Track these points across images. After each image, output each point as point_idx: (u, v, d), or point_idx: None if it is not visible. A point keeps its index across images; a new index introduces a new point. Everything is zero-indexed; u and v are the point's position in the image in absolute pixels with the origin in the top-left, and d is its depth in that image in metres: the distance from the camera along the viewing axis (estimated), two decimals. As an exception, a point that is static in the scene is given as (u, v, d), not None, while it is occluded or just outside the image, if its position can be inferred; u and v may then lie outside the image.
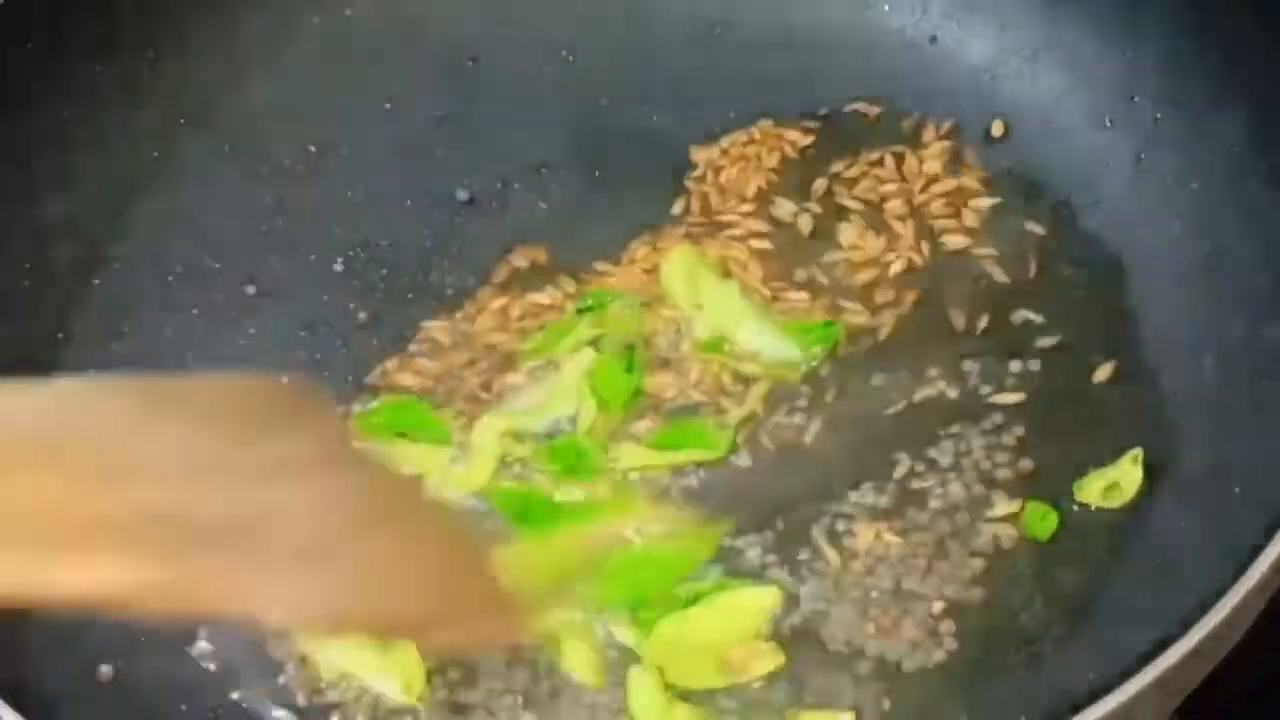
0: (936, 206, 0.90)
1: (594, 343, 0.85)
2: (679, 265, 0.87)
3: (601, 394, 0.84)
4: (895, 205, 0.90)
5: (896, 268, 0.88)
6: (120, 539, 0.48)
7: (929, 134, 0.92)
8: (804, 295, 0.87)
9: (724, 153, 0.93)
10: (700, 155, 0.93)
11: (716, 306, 0.86)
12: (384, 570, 0.53)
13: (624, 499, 0.81)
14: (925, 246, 0.88)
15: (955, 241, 0.88)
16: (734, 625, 0.76)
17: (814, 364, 0.84)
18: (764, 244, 0.89)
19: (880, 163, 0.92)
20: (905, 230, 0.89)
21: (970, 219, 0.89)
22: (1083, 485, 0.79)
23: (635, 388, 0.84)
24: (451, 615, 0.57)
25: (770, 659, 0.75)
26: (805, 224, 0.90)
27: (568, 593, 0.73)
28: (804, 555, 0.79)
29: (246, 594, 0.51)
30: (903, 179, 0.91)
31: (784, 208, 0.90)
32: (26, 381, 0.50)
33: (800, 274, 0.88)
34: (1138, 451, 0.78)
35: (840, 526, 0.79)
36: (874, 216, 0.90)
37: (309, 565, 0.51)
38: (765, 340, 0.85)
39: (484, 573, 0.58)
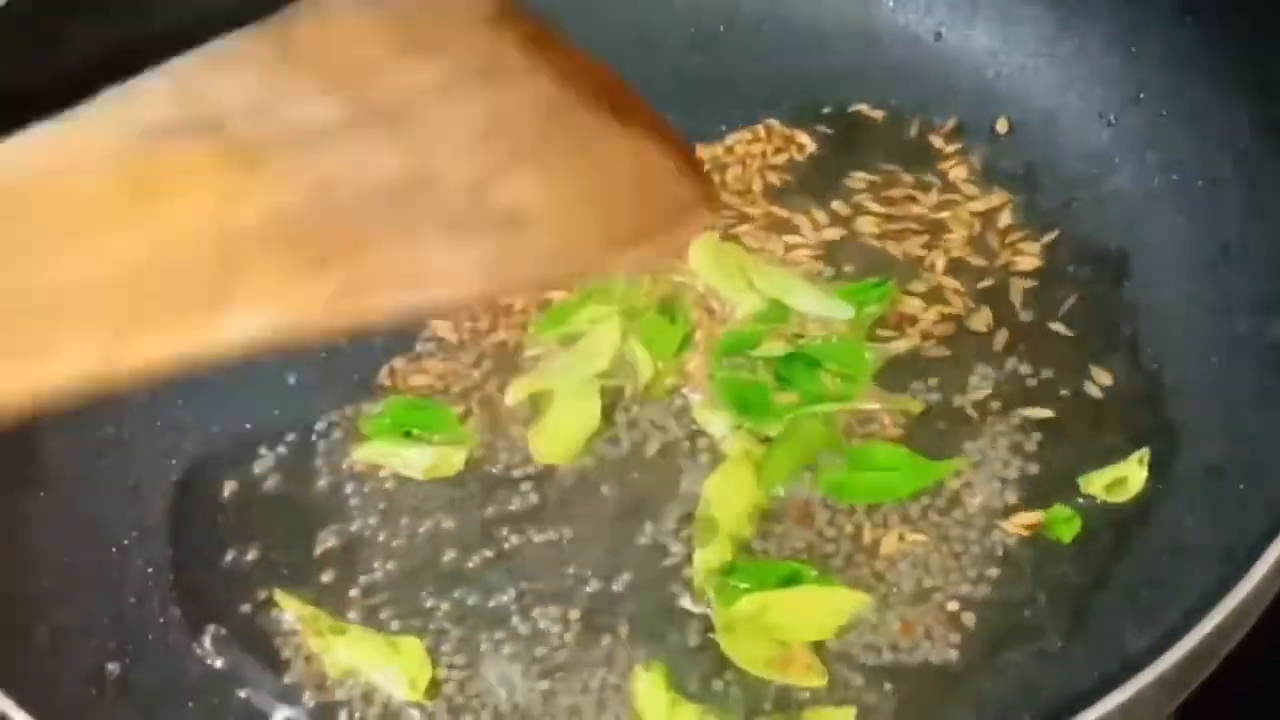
0: (950, 214, 0.90)
1: (630, 311, 0.86)
2: (705, 250, 0.88)
3: (653, 348, 0.84)
4: (909, 211, 0.90)
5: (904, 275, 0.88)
6: (278, 244, 0.43)
7: (935, 136, 0.93)
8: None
9: (729, 150, 0.93)
10: (705, 153, 0.93)
11: (763, 278, 0.86)
12: (559, 204, 0.46)
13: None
14: (938, 253, 0.88)
15: (962, 245, 0.89)
16: (811, 620, 0.76)
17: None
18: (774, 243, 0.89)
19: (891, 170, 0.92)
20: (917, 238, 0.89)
21: (980, 223, 0.89)
22: (1089, 479, 0.79)
23: (684, 336, 0.85)
24: (637, 228, 0.50)
25: (815, 676, 0.75)
26: (818, 225, 0.90)
27: None
28: (829, 550, 0.79)
29: (412, 274, 0.44)
30: (914, 185, 0.91)
31: (792, 210, 0.91)
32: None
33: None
34: (1145, 452, 0.78)
35: (866, 524, 0.79)
36: (887, 224, 0.90)
37: (474, 223, 0.45)
38: (822, 303, 0.85)
39: (662, 176, 0.51)
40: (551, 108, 0.48)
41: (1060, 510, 0.78)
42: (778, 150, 0.93)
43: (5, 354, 0.42)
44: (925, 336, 0.85)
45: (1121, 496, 0.78)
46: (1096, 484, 0.78)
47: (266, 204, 0.44)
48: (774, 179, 0.92)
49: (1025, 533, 0.78)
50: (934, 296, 0.86)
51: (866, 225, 0.89)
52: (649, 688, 0.75)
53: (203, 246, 0.43)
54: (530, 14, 0.55)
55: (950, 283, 0.87)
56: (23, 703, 0.67)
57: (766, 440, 0.81)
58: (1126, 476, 0.78)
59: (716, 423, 0.82)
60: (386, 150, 0.45)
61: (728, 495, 0.80)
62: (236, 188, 0.44)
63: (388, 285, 0.45)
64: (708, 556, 0.78)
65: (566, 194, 0.47)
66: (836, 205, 0.90)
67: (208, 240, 0.43)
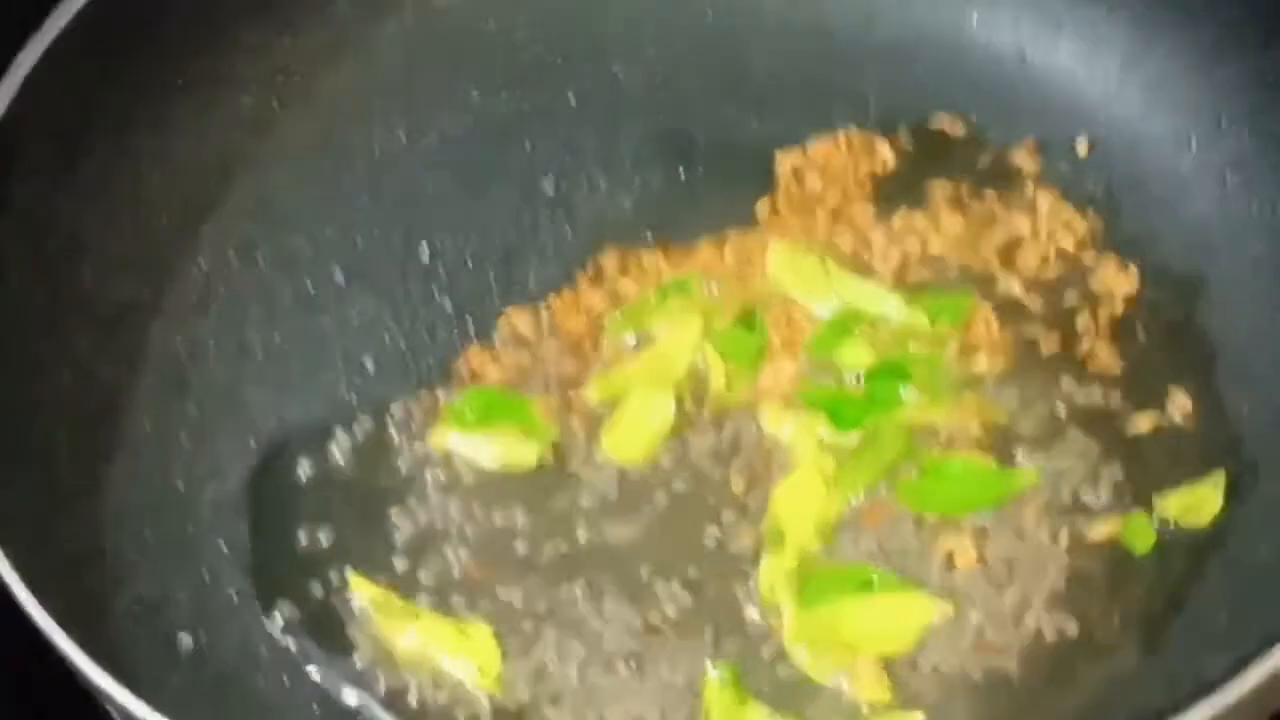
0: (1029, 232, 0.90)
1: (707, 316, 0.87)
2: (783, 256, 0.88)
3: (728, 355, 0.85)
4: (987, 227, 0.90)
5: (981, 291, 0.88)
6: None
7: (1015, 153, 0.93)
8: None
9: (809, 158, 0.94)
10: (785, 160, 0.93)
11: (842, 285, 0.87)
12: None
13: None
14: (1015, 270, 0.89)
15: (1040, 263, 0.89)
16: (890, 627, 0.77)
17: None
18: (852, 250, 0.90)
19: (971, 185, 0.92)
20: (995, 254, 0.89)
21: (1053, 246, 0.89)
22: (1165, 501, 0.79)
23: (760, 346, 0.86)
24: None
25: (881, 690, 0.75)
26: (896, 236, 0.90)
27: None
28: (903, 559, 0.79)
29: None
30: (994, 202, 0.91)
31: (871, 219, 0.91)
32: None
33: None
34: (1220, 475, 0.79)
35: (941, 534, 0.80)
36: (965, 239, 0.90)
37: None
38: (900, 312, 0.86)
39: None
40: None
41: (1138, 519, 0.78)
42: (858, 160, 0.93)
43: None
44: (1002, 353, 0.85)
45: (1196, 520, 0.78)
46: (1172, 506, 0.79)
47: None
48: (853, 188, 0.92)
49: (1102, 539, 0.78)
50: (1012, 313, 0.87)
51: (944, 240, 0.90)
52: (718, 687, 0.75)
53: None
54: None
55: (1028, 301, 0.87)
56: (100, 664, 0.68)
57: (838, 451, 0.82)
58: (1203, 500, 0.78)
59: (789, 431, 0.83)
60: None
61: (796, 505, 0.80)
62: None
63: None
64: (773, 565, 0.78)
65: None
66: (915, 217, 0.91)
67: None
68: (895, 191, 0.92)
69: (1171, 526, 0.78)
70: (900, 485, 0.81)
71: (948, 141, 0.94)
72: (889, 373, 0.84)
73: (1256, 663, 0.63)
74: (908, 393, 0.83)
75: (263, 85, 0.94)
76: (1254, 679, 0.62)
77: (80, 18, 0.84)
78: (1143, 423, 0.82)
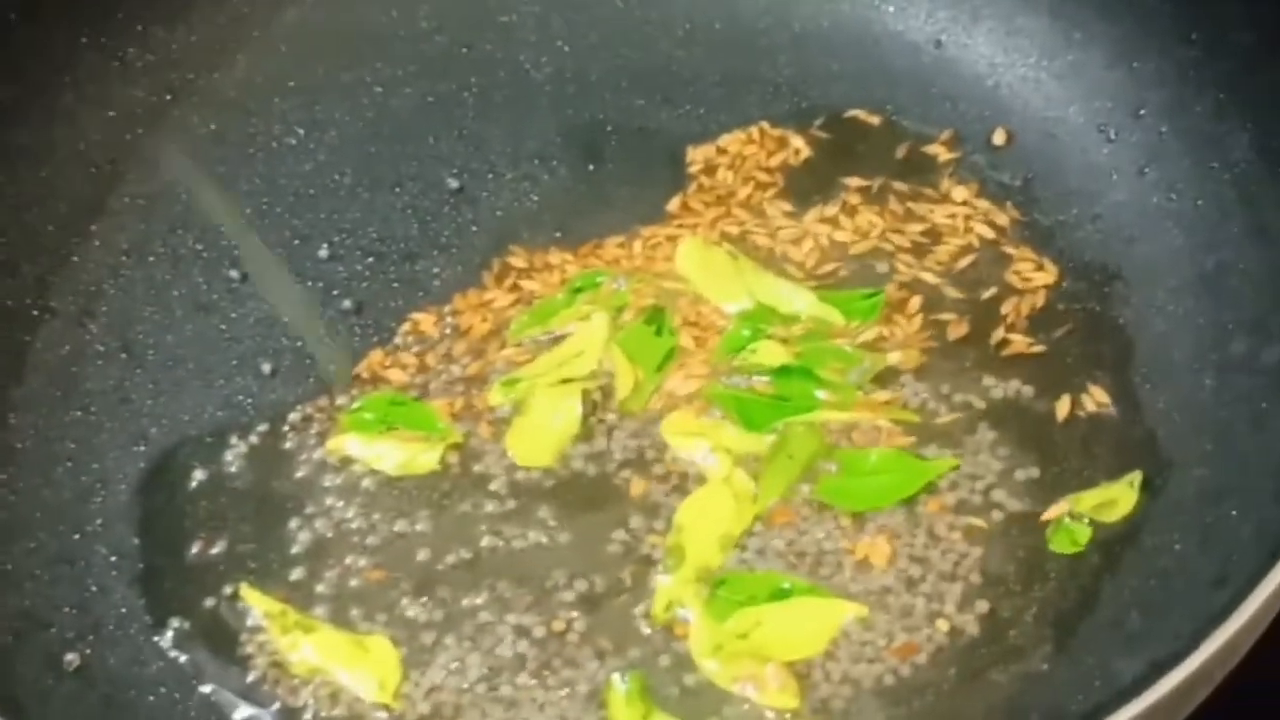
0: (944, 223, 0.88)
1: (615, 314, 0.84)
2: (693, 252, 0.86)
3: (635, 356, 0.83)
4: (903, 219, 0.88)
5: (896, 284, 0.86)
6: None
7: (931, 144, 0.91)
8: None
9: (721, 151, 0.92)
10: (697, 154, 0.91)
11: (753, 282, 0.85)
12: None
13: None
14: (930, 262, 0.87)
15: (956, 255, 0.87)
16: (802, 633, 0.74)
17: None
18: (764, 244, 0.88)
19: (886, 177, 0.90)
20: (910, 246, 0.87)
21: (970, 238, 0.87)
22: (1079, 498, 0.77)
23: (669, 347, 0.83)
24: None
25: (790, 697, 0.73)
26: (809, 230, 0.88)
27: None
28: (815, 561, 0.77)
29: None
30: (909, 194, 0.90)
31: (784, 213, 0.89)
32: None
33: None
34: (1136, 475, 0.77)
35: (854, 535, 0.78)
36: (880, 231, 0.88)
37: None
38: (812, 308, 0.84)
39: None
40: None
41: (1069, 524, 0.77)
42: (771, 153, 0.91)
43: None
44: (916, 347, 0.83)
45: (1110, 517, 0.76)
46: (1086, 503, 0.77)
47: None
48: (766, 180, 0.90)
49: (1016, 537, 0.77)
50: (926, 306, 0.85)
51: (859, 232, 0.88)
52: (622, 697, 0.73)
53: None
54: None
55: (943, 293, 0.85)
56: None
57: (747, 456, 0.79)
58: (1117, 498, 0.77)
59: (691, 446, 0.80)
60: None
61: (700, 522, 0.78)
62: None
63: None
64: (671, 585, 0.76)
65: None
66: (829, 210, 0.89)
67: None
68: (810, 184, 0.90)
69: (1086, 523, 0.77)
70: (820, 483, 0.78)
71: (863, 133, 0.93)
72: (801, 373, 0.81)
73: (1170, 672, 0.61)
74: (821, 393, 0.81)
75: (155, 78, 0.92)
76: (1167, 687, 0.60)
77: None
78: (1058, 418, 0.80)
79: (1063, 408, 0.81)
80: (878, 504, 0.78)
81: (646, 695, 0.73)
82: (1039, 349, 0.83)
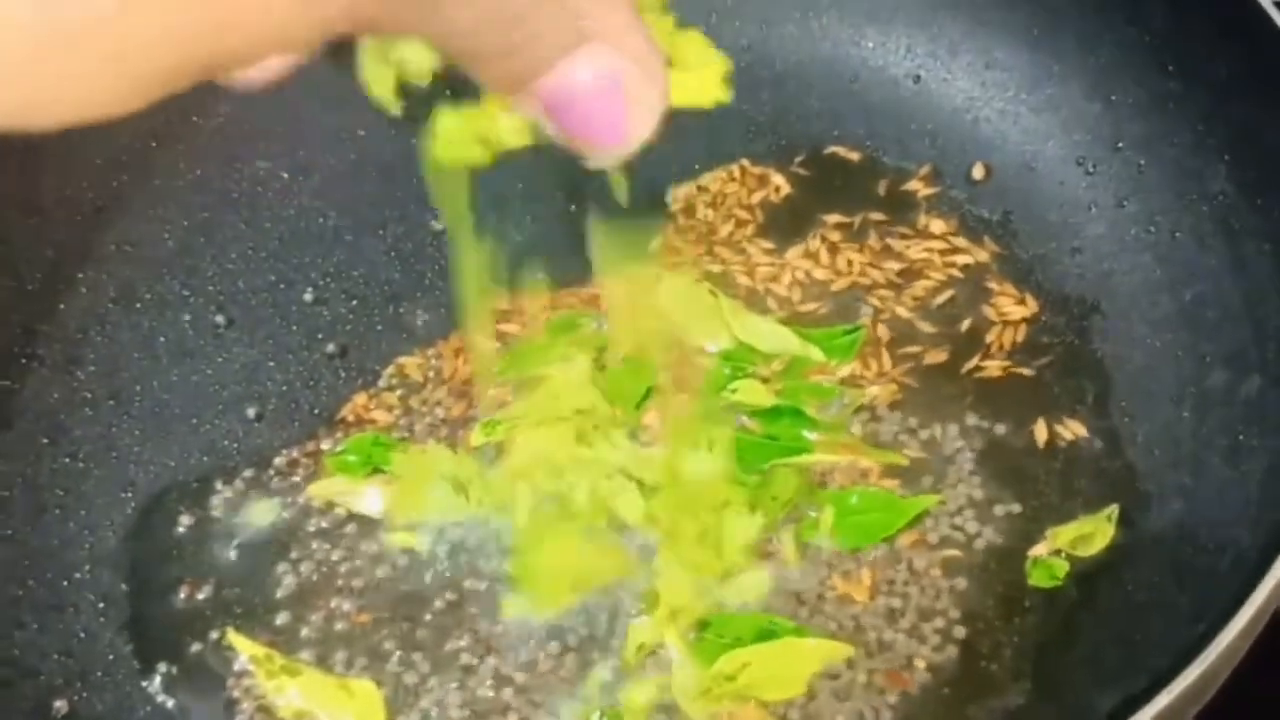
0: (924, 259, 0.89)
1: (596, 354, 0.85)
2: (675, 291, 0.86)
3: (615, 398, 0.83)
4: (882, 255, 0.89)
5: (875, 320, 0.87)
6: None
7: (911, 180, 0.92)
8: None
9: (701, 190, 0.92)
10: (679, 192, 0.92)
11: (734, 320, 0.85)
12: None
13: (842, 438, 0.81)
14: (909, 297, 0.87)
15: (935, 290, 0.88)
16: (785, 675, 0.74)
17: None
18: (745, 282, 0.88)
19: (866, 213, 0.91)
20: (890, 282, 0.88)
21: (949, 272, 0.88)
22: (1058, 533, 0.77)
23: (648, 388, 0.83)
24: None
25: None
26: (790, 267, 0.89)
27: None
28: (798, 601, 0.77)
29: None
30: (889, 229, 0.90)
31: (764, 250, 0.89)
32: None
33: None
34: (1114, 509, 0.77)
35: (836, 574, 0.78)
36: (860, 267, 0.89)
37: None
38: (792, 347, 0.84)
39: None
40: None
41: (1046, 560, 0.77)
42: (751, 190, 0.92)
43: None
44: (895, 382, 0.84)
45: (1088, 551, 0.77)
46: (1064, 538, 0.77)
47: None
48: (747, 218, 0.91)
49: (977, 582, 0.77)
50: (905, 341, 0.85)
51: (839, 268, 0.88)
52: None
53: None
54: None
55: (921, 328, 0.86)
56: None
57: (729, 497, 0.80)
58: (1094, 532, 0.77)
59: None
60: None
61: (678, 571, 0.78)
62: None
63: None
64: (641, 627, 0.76)
65: None
66: (810, 246, 0.89)
67: None
68: (790, 221, 0.91)
69: (1063, 557, 0.77)
70: (803, 522, 0.79)
71: (843, 169, 0.93)
72: (791, 414, 0.82)
73: (1145, 706, 0.61)
74: (811, 434, 0.81)
75: (139, 124, 0.92)
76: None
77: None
78: (1037, 450, 0.81)
79: (1041, 439, 0.81)
80: (861, 543, 0.78)
81: None
82: (1017, 382, 0.83)
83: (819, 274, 0.88)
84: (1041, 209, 0.90)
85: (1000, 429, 0.82)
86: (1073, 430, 0.81)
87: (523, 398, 0.84)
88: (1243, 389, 0.78)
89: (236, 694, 0.77)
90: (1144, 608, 0.73)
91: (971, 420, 0.82)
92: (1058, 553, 0.77)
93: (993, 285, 0.87)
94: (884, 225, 0.90)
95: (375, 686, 0.76)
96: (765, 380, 0.83)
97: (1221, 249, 0.83)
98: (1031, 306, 0.86)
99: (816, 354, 0.84)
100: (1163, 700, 0.61)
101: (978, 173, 0.92)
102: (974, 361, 0.84)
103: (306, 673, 0.77)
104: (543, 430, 0.82)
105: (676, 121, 0.93)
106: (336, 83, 0.95)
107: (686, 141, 0.93)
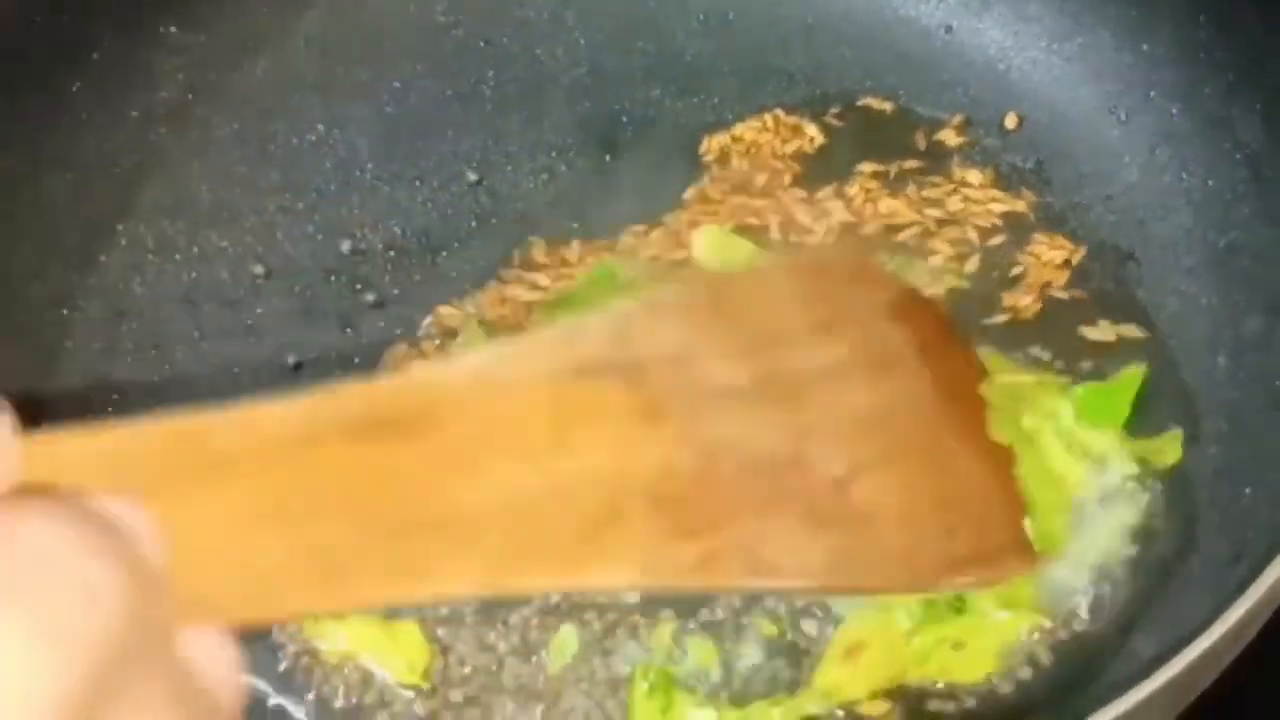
0: (957, 208, 0.89)
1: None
2: (710, 240, 0.87)
3: None
4: (916, 205, 0.89)
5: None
6: (663, 504, 0.42)
7: (943, 130, 0.92)
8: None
9: (736, 140, 0.93)
10: (712, 142, 0.92)
11: None
12: (910, 512, 0.47)
13: None
14: (944, 246, 0.87)
15: (968, 239, 0.88)
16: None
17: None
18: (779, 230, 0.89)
19: (899, 163, 0.91)
20: (924, 232, 0.88)
21: (984, 221, 0.88)
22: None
23: None
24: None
25: None
26: (825, 217, 0.89)
27: None
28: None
29: (762, 554, 0.44)
30: (922, 179, 0.90)
31: (799, 200, 0.90)
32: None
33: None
34: (1179, 432, 0.78)
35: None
36: (893, 217, 0.89)
37: (831, 515, 0.45)
38: None
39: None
40: (928, 413, 0.49)
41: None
42: (785, 140, 0.92)
43: (388, 570, 0.40)
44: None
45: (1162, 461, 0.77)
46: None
47: (663, 460, 0.44)
48: (781, 168, 0.91)
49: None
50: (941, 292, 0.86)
51: (874, 217, 0.89)
52: (645, 690, 0.74)
53: (599, 492, 0.43)
54: (935, 309, 0.59)
55: (955, 279, 0.86)
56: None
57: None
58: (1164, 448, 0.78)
59: None
60: (775, 425, 0.46)
61: None
62: (642, 439, 0.44)
63: (740, 561, 0.44)
64: None
65: (919, 504, 0.48)
66: (843, 197, 0.90)
67: (605, 486, 0.43)
68: (825, 171, 0.91)
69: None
70: None
71: (876, 119, 0.93)
72: None
73: (1188, 646, 0.62)
74: None
75: (176, 80, 0.93)
76: (1185, 661, 0.61)
77: (-14, 12, 0.83)
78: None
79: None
80: None
81: (669, 688, 0.75)
82: (1052, 330, 0.83)
83: (852, 223, 0.89)
84: (1074, 158, 0.90)
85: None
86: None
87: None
88: (1277, 336, 0.79)
89: (281, 638, 0.78)
90: (1183, 556, 0.74)
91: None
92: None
93: (1031, 233, 0.87)
94: (919, 174, 0.90)
95: (419, 628, 0.77)
96: None
97: (1254, 197, 0.83)
98: (1070, 252, 0.86)
99: None
100: (1204, 643, 0.62)
101: (1010, 122, 0.92)
102: (1007, 310, 0.85)
103: (351, 616, 0.78)
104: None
105: (710, 73, 0.95)
106: (369, 36, 0.97)
107: (720, 93, 0.94)
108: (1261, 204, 0.83)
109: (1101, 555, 0.75)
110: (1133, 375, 0.79)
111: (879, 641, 0.73)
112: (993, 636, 0.73)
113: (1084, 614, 0.74)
